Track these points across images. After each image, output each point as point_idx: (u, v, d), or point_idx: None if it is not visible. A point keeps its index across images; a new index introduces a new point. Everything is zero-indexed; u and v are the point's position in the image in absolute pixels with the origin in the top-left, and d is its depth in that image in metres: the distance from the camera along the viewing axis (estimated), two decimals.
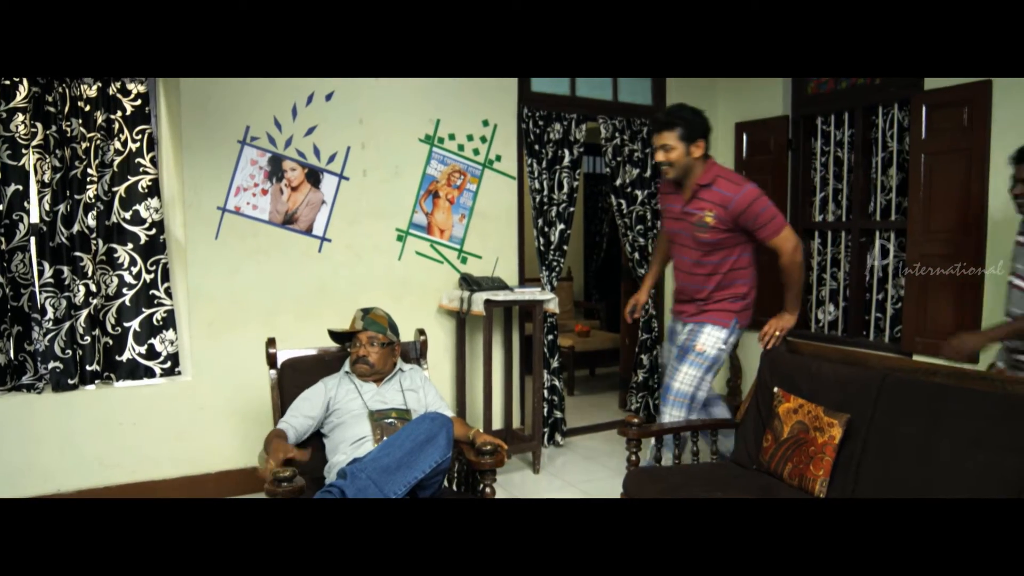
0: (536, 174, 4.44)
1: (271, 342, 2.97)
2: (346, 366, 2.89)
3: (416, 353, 3.25)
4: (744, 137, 5.03)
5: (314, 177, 3.83)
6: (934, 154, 3.84)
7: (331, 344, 3.14)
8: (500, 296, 3.96)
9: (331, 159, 3.86)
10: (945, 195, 3.80)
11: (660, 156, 3.11)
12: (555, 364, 4.59)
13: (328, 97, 3.82)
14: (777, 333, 3.14)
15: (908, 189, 4.00)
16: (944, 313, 3.83)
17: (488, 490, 2.60)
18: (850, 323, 4.53)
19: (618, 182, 4.79)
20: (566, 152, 4.52)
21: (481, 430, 3.00)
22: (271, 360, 2.96)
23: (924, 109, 3.86)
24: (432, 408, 2.83)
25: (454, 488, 2.87)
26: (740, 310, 3.21)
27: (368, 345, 2.82)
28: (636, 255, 4.86)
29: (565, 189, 4.52)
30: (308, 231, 3.84)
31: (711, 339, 3.18)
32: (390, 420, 2.67)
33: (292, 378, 2.96)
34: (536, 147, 4.44)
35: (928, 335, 3.89)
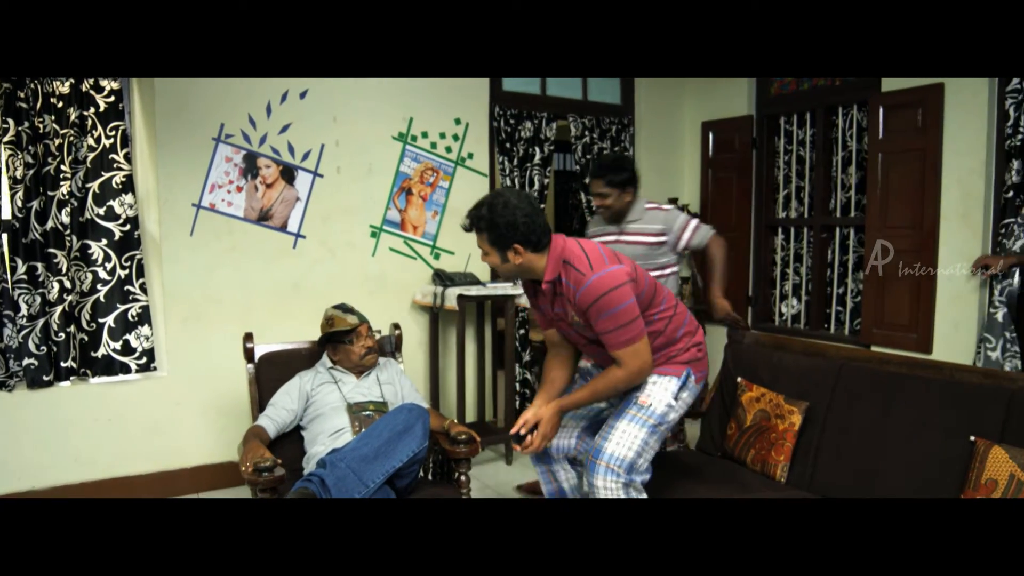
0: (508, 171, 4.52)
1: (248, 337, 3.01)
2: (326, 362, 2.95)
3: (391, 347, 3.32)
4: (710, 136, 5.16)
5: (288, 174, 3.87)
6: (890, 153, 3.99)
7: (305, 339, 3.20)
8: (473, 291, 4.03)
9: (305, 156, 3.91)
10: (901, 193, 3.95)
11: (483, 259, 2.45)
12: (527, 358, 4.69)
13: (302, 95, 3.86)
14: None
15: (866, 187, 4.16)
16: (901, 306, 3.99)
17: (463, 479, 2.68)
18: (812, 316, 4.69)
19: (588, 179, 4.89)
20: (537, 150, 4.61)
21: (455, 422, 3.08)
22: (249, 355, 3.01)
23: (881, 110, 4.01)
24: (408, 400, 2.90)
25: (429, 478, 2.95)
26: (692, 360, 2.49)
27: (368, 337, 2.93)
28: None
29: (536, 186, 4.61)
30: (283, 228, 3.88)
31: (658, 390, 2.42)
32: (368, 412, 2.74)
33: (269, 372, 3.01)
34: (507, 145, 4.52)
35: (885, 327, 4.05)
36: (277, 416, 2.76)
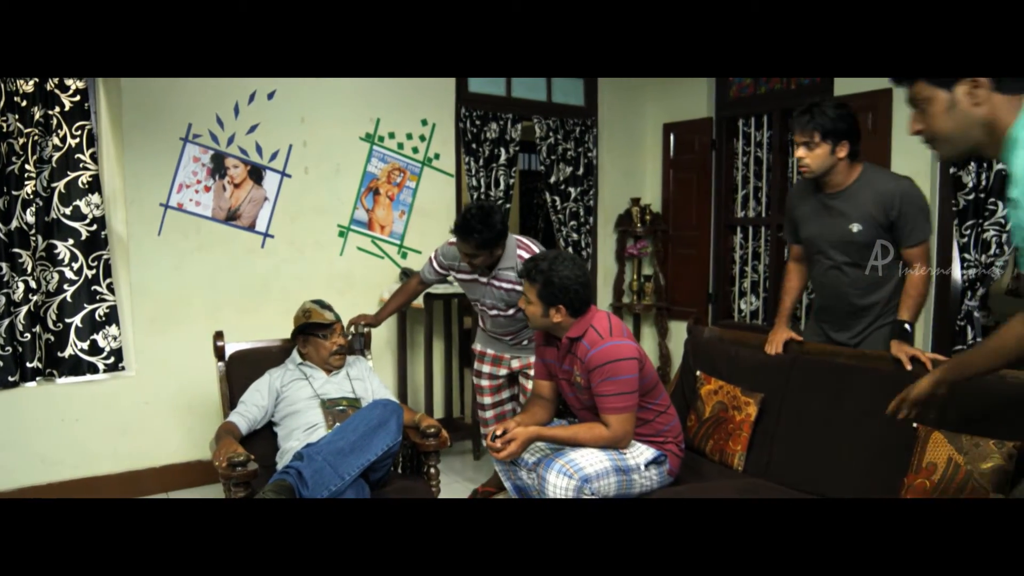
0: (473, 172, 4.60)
1: (219, 335, 3.04)
2: (295, 358, 3.00)
3: (360, 345, 3.37)
4: (671, 137, 5.29)
5: (256, 174, 3.90)
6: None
7: (274, 337, 3.25)
8: (440, 290, 4.09)
9: (273, 156, 3.94)
10: None
11: (521, 302, 2.67)
12: None
13: (270, 96, 3.89)
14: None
15: None
16: None
17: (432, 471, 2.76)
18: (770, 312, 4.84)
19: (552, 179, 4.99)
20: (502, 151, 4.69)
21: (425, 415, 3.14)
22: (219, 353, 3.04)
23: None
24: (378, 396, 2.97)
25: (399, 471, 3.01)
26: (671, 453, 2.65)
27: (340, 335, 2.99)
28: (570, 249, 5.07)
29: (501, 186, 4.69)
30: (251, 227, 3.91)
31: (635, 451, 2.56)
32: (341, 408, 2.80)
33: (239, 370, 3.05)
34: (473, 146, 4.60)
35: None
36: (248, 412, 2.80)
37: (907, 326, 2.62)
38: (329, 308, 3.01)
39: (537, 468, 2.51)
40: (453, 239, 3.21)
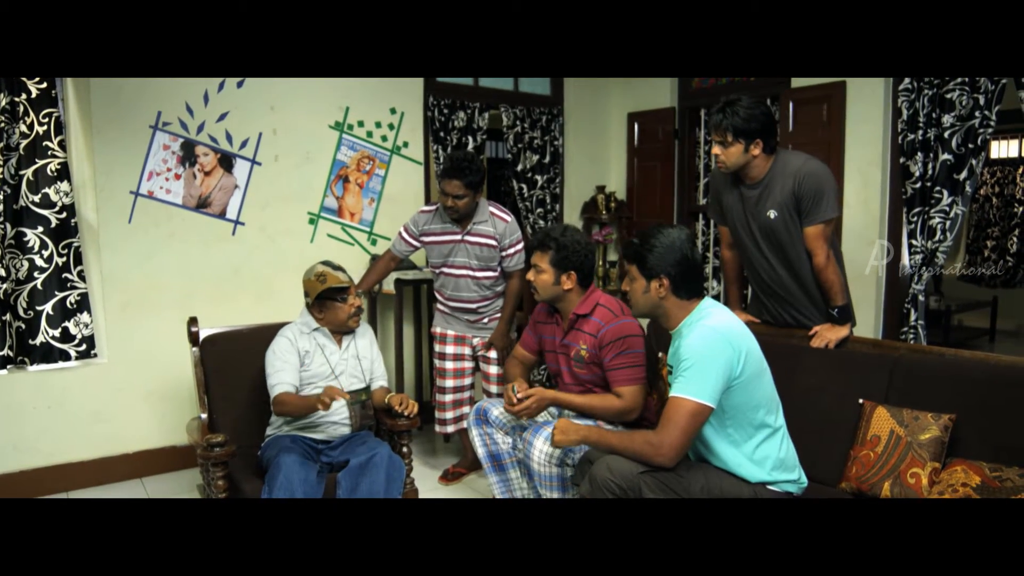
0: (441, 160, 4.66)
1: (193, 321, 3.09)
2: (310, 322, 2.93)
3: None
4: (635, 126, 5.40)
5: (227, 162, 3.93)
6: (800, 145, 4.27)
7: (247, 323, 3.28)
8: (409, 275, 4.18)
9: (243, 144, 3.97)
10: None
11: (530, 275, 2.81)
12: None
13: (239, 84, 3.92)
14: None
15: None
16: None
17: (404, 450, 2.85)
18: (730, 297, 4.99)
19: (519, 167, 5.08)
20: (470, 139, 4.76)
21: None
22: (193, 339, 3.08)
23: (791, 105, 4.31)
24: (372, 373, 3.01)
25: None
26: None
27: (355, 296, 2.95)
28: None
29: None
30: (222, 215, 3.94)
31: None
32: (358, 403, 2.87)
33: (213, 353, 3.10)
34: (441, 134, 4.67)
35: None
36: (293, 377, 2.80)
37: (833, 311, 2.81)
38: (340, 269, 2.94)
39: (525, 433, 2.67)
40: (424, 209, 3.53)
